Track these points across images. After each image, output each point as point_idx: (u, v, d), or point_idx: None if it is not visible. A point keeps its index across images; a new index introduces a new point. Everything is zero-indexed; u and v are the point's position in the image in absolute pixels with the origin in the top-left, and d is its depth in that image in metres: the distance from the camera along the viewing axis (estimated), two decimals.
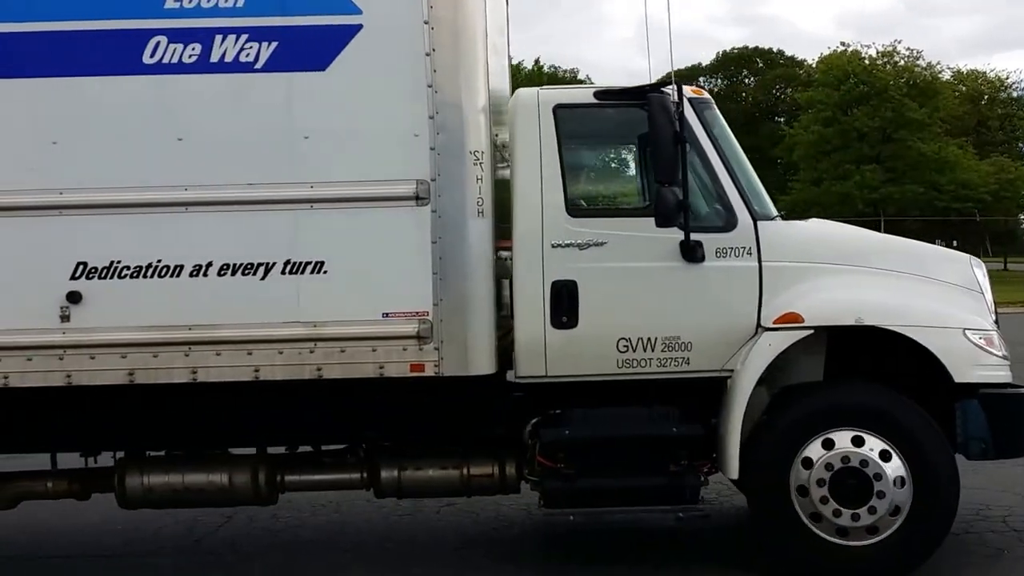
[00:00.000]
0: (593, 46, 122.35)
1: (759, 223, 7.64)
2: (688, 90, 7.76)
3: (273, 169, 7.24)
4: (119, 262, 7.24)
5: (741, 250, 7.58)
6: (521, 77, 56.79)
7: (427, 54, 7.21)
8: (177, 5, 7.22)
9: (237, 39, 7.23)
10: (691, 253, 7.48)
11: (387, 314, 7.27)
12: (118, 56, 7.22)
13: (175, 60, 7.22)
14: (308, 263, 7.26)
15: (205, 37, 7.22)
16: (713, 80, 77.29)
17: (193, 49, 7.22)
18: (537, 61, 65.73)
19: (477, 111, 7.32)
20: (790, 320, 7.51)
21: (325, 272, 7.27)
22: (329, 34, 7.24)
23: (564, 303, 7.48)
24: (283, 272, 7.25)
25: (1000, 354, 7.60)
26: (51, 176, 7.23)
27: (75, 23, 7.22)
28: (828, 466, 7.39)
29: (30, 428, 7.62)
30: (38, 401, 7.40)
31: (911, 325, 7.50)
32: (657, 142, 7.20)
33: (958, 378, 7.47)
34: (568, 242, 7.48)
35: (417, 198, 7.22)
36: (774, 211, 8.03)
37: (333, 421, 7.72)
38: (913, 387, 7.60)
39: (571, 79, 66.30)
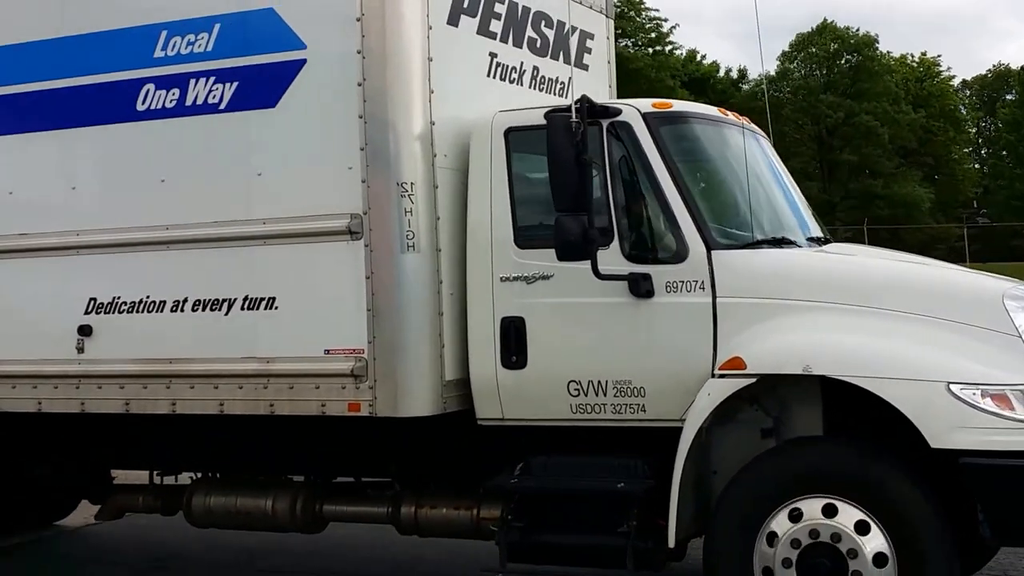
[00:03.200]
0: None
1: (714, 252, 6.58)
2: (647, 104, 6.90)
3: (233, 206, 7.38)
4: (119, 297, 7.72)
5: (693, 284, 6.58)
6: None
7: (359, 84, 7.00)
8: (163, 53, 7.59)
9: (207, 82, 7.46)
10: (635, 287, 6.62)
11: (328, 351, 7.13)
12: (120, 105, 7.71)
13: (160, 105, 7.60)
14: (262, 299, 7.30)
15: (183, 82, 7.52)
16: None
17: (173, 94, 7.56)
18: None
19: (411, 140, 6.97)
20: (733, 367, 6.39)
21: (276, 308, 7.28)
22: (278, 71, 7.26)
23: (512, 341, 6.91)
24: (242, 308, 7.36)
25: (1017, 416, 5.94)
26: (71, 218, 7.87)
27: (86, 78, 7.82)
28: (795, 543, 6.20)
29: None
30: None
31: (872, 376, 6.10)
32: (553, 166, 6.45)
33: (935, 443, 5.97)
34: (516, 275, 6.91)
35: (350, 232, 7.02)
36: (796, 235, 6.90)
37: (320, 455, 7.82)
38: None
39: None
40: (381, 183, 6.96)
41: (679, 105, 7.23)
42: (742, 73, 66.40)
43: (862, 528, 6.08)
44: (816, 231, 7.73)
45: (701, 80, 61.97)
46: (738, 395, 6.63)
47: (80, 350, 7.82)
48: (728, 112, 7.63)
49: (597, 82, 8.71)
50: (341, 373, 7.05)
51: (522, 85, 7.85)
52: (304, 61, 7.18)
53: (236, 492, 8.18)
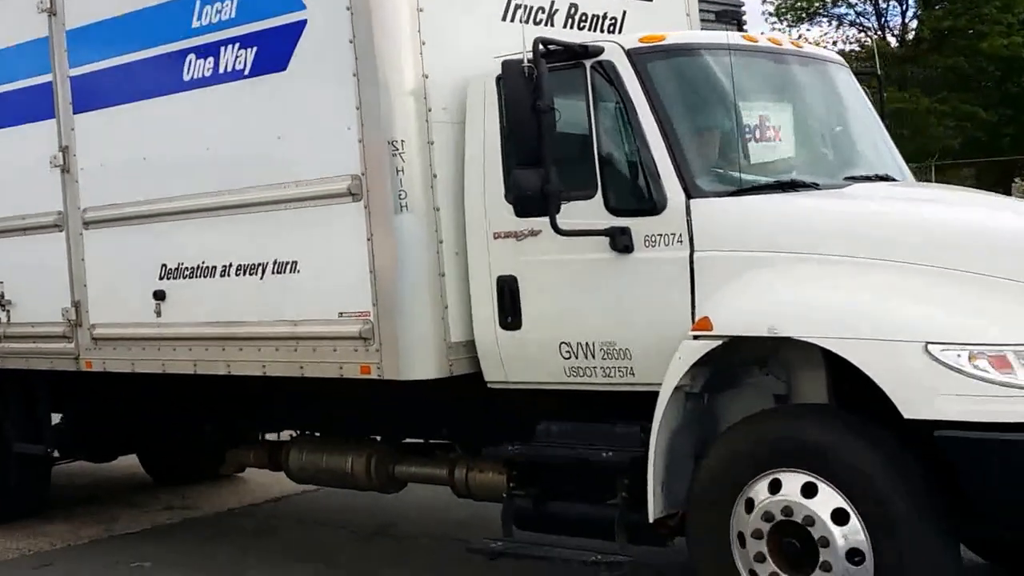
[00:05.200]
0: None
1: (693, 202, 6.01)
2: (634, 39, 6.37)
3: (261, 171, 7.44)
4: (183, 264, 7.99)
5: (671, 237, 6.07)
6: None
7: (350, 41, 6.86)
8: (199, 23, 7.72)
9: (234, 48, 7.53)
10: (613, 241, 6.18)
11: (341, 314, 7.11)
12: (172, 76, 7.91)
13: (200, 75, 7.74)
14: (287, 263, 7.35)
15: (216, 50, 7.63)
16: None
17: (209, 63, 7.67)
18: None
19: (402, 96, 6.75)
20: (702, 328, 5.85)
21: (299, 272, 7.31)
22: (285, 33, 7.22)
23: (507, 301, 6.64)
24: (273, 272, 7.43)
25: (1017, 381, 5.12)
26: (144, 188, 8.19)
27: (145, 52, 8.08)
28: (767, 516, 5.67)
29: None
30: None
31: (840, 337, 5.41)
32: (509, 117, 6.07)
33: (907, 413, 5.24)
34: (508, 232, 6.60)
35: (351, 194, 6.93)
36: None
37: (385, 417, 7.89)
38: None
39: None
40: (375, 142, 6.81)
41: (676, 37, 6.60)
42: None
43: (840, 517, 5.45)
44: (887, 168, 6.95)
45: None
46: (744, 359, 6.12)
47: (158, 314, 8.16)
48: (764, 38, 6.90)
49: (666, 12, 8.03)
50: (352, 336, 7.01)
51: (553, 26, 7.35)
52: (305, 22, 7.11)
53: (324, 451, 8.35)
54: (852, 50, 53.31)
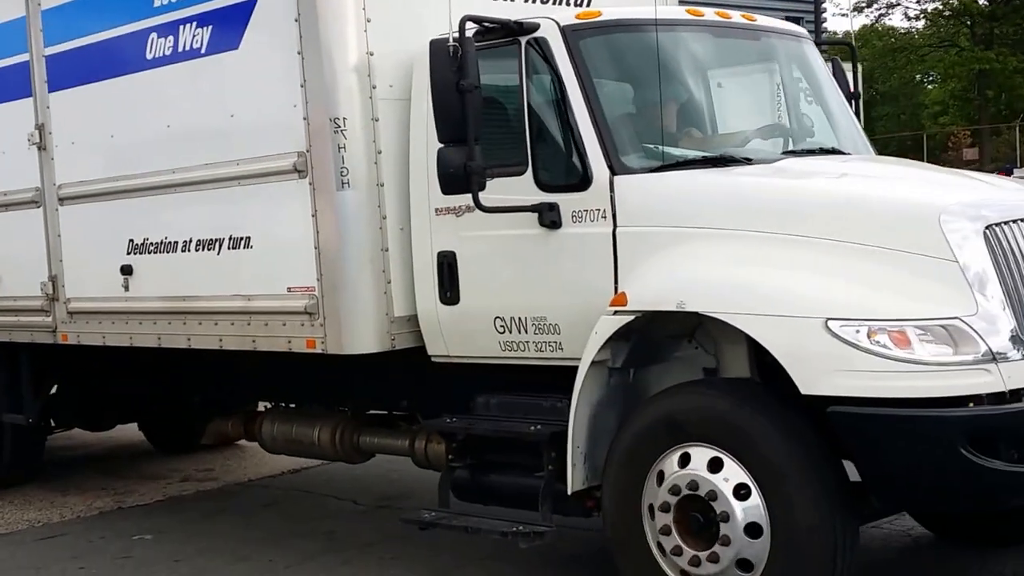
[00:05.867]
0: None
1: (616, 178, 6.07)
2: (570, 16, 6.41)
3: (217, 149, 7.57)
4: (148, 239, 8.14)
5: (596, 213, 6.14)
6: None
7: (296, 20, 6.96)
8: (161, 2, 7.85)
9: (192, 27, 7.65)
10: (541, 217, 6.26)
11: (289, 289, 7.23)
12: (136, 54, 8.05)
13: (162, 53, 7.87)
14: (241, 239, 7.48)
15: (175, 29, 7.75)
16: None
17: (170, 41, 7.80)
18: None
19: (345, 73, 6.84)
20: (618, 303, 5.93)
21: (251, 247, 7.43)
22: (237, 12, 7.33)
23: (446, 276, 6.73)
24: (228, 248, 7.57)
25: (913, 356, 5.14)
26: (112, 164, 8.35)
27: (113, 31, 8.23)
28: (674, 489, 5.75)
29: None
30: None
31: (743, 313, 5.46)
32: (435, 96, 6.14)
33: (804, 389, 5.28)
34: (447, 207, 6.68)
35: (297, 171, 7.04)
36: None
37: (349, 389, 7.95)
38: None
39: None
40: (318, 120, 6.91)
41: (612, 12, 6.61)
42: None
43: (741, 492, 5.52)
44: (836, 142, 6.96)
45: None
46: (674, 333, 6.19)
47: (126, 288, 8.32)
48: (711, 12, 6.86)
49: None
50: (298, 311, 7.14)
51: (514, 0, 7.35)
52: (255, 1, 7.21)
53: (293, 422, 8.48)
54: (936, 8, 52.64)
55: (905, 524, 7.38)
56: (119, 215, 8.33)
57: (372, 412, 8.27)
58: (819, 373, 5.24)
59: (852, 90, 7.61)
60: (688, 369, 6.31)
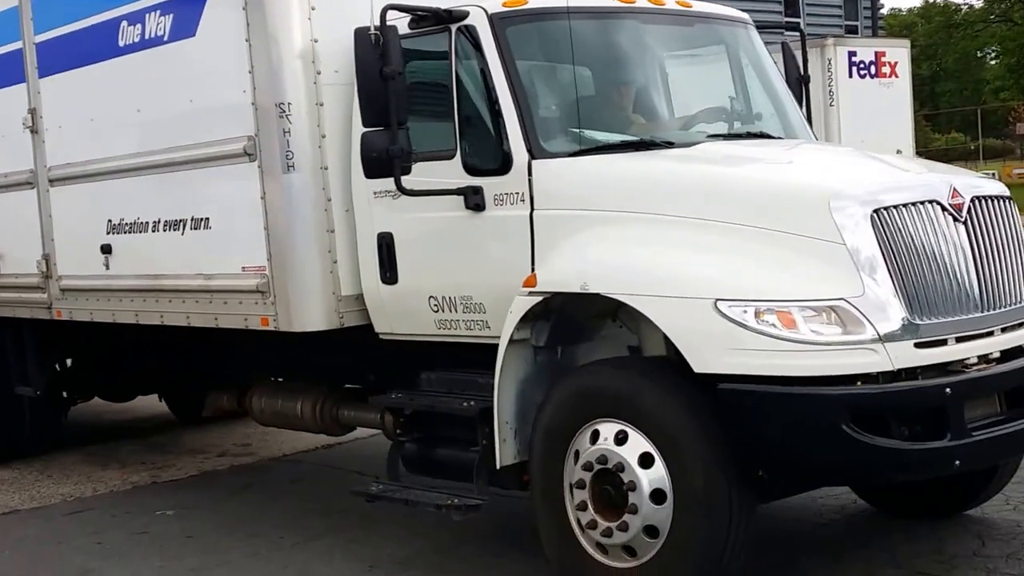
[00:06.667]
0: None
1: (534, 162, 6.23)
2: (497, 3, 6.54)
3: (178, 132, 7.85)
4: (124, 219, 8.45)
5: (515, 196, 6.31)
6: None
7: (243, 8, 7.19)
8: None
9: (156, 15, 7.92)
10: (466, 200, 6.45)
11: (244, 268, 7.49)
12: (110, 42, 8.34)
13: (131, 41, 8.15)
14: (202, 219, 7.76)
15: (143, 17, 8.03)
16: None
17: (138, 29, 8.08)
18: None
19: (290, 59, 7.05)
20: (529, 284, 6.11)
21: (211, 228, 7.71)
22: (194, 1, 7.58)
23: (385, 257, 6.95)
24: (191, 228, 7.85)
25: (797, 336, 5.27)
26: (93, 147, 8.66)
27: (88, 20, 8.53)
28: (587, 465, 5.94)
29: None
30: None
31: (640, 294, 5.62)
32: (359, 82, 6.33)
33: (697, 368, 5.44)
34: (385, 190, 6.87)
35: (247, 154, 7.29)
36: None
37: (325, 364, 8.15)
38: None
39: None
40: (265, 105, 7.14)
41: (539, 0, 6.75)
42: None
43: (646, 461, 5.69)
44: (769, 127, 7.06)
45: None
46: (599, 312, 6.35)
47: (106, 266, 8.65)
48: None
49: None
50: (251, 289, 7.40)
51: None
52: None
53: (279, 395, 8.75)
54: None
55: (842, 499, 7.47)
56: (99, 196, 8.66)
57: (349, 386, 8.49)
58: (710, 352, 5.39)
59: (802, 74, 7.66)
60: (613, 347, 6.47)
